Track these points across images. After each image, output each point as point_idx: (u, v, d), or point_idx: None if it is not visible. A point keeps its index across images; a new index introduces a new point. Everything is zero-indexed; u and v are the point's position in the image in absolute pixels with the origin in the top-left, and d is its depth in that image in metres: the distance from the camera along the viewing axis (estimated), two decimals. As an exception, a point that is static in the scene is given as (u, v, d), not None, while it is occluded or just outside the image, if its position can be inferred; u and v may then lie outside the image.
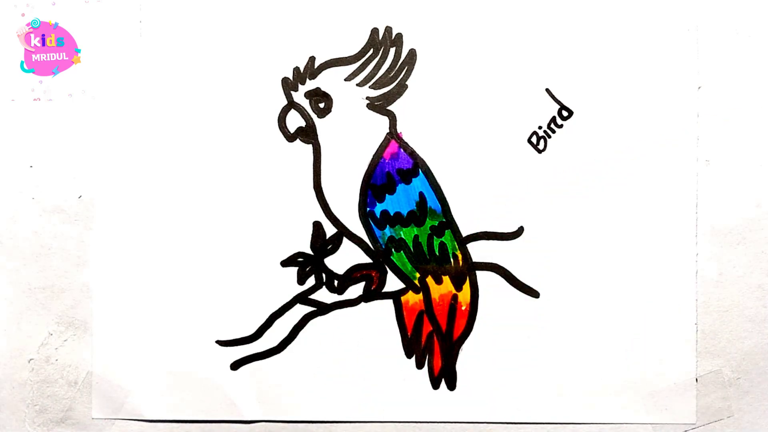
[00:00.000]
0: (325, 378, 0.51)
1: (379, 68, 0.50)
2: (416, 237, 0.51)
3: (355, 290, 0.51)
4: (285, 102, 0.50)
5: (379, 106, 0.50)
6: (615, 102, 0.50)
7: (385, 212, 0.51)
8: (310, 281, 0.51)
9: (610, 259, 0.50)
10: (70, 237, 0.51)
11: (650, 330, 0.50)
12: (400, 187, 0.50)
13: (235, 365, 0.51)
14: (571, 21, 0.50)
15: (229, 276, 0.51)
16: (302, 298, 0.51)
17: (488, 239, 0.51)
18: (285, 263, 0.51)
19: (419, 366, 0.51)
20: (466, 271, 0.51)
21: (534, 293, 0.51)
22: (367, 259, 0.51)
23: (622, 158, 0.50)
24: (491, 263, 0.51)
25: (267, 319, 0.51)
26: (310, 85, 0.50)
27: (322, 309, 0.51)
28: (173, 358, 0.51)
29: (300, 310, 0.51)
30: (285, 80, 0.50)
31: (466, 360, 0.51)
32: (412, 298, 0.51)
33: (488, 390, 0.51)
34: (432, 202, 0.51)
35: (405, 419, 0.51)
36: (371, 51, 0.50)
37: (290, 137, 0.51)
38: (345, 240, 0.51)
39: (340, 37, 0.50)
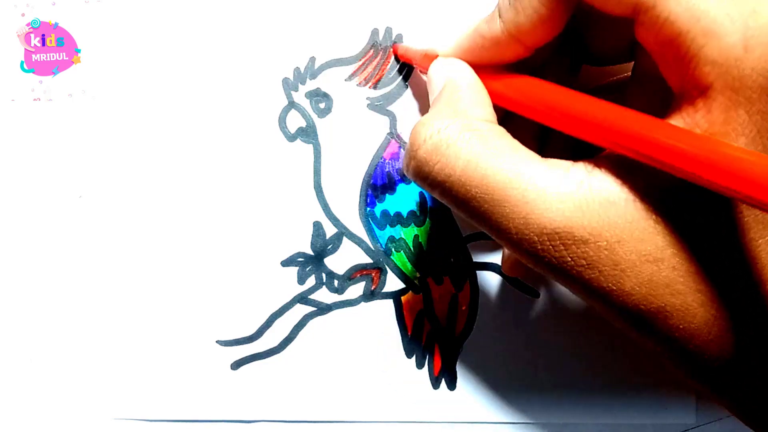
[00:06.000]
0: (326, 378, 0.51)
1: (380, 69, 0.50)
2: (416, 237, 0.51)
3: (355, 290, 0.51)
4: (285, 102, 0.51)
5: (379, 106, 0.50)
6: (615, 102, 0.50)
7: (385, 212, 0.51)
8: (310, 281, 0.51)
9: (610, 259, 0.50)
10: (71, 236, 0.51)
11: (650, 330, 0.50)
12: (401, 187, 0.51)
13: (235, 365, 0.51)
14: (570, 21, 0.50)
15: (229, 276, 0.51)
16: (302, 298, 0.51)
17: (488, 239, 0.51)
18: (285, 263, 0.51)
19: (419, 366, 0.51)
20: (466, 271, 0.51)
21: (534, 293, 0.51)
22: (367, 259, 0.51)
23: (622, 158, 0.50)
24: (491, 263, 0.51)
25: (267, 319, 0.51)
26: (310, 85, 0.50)
27: (322, 309, 0.51)
28: (173, 358, 0.51)
29: (300, 310, 0.51)
30: (285, 80, 0.50)
31: (466, 360, 0.51)
32: (412, 298, 0.51)
33: (488, 390, 0.51)
34: (432, 201, 0.51)
35: (405, 419, 0.51)
36: (371, 51, 0.50)
37: (290, 137, 0.51)
38: (345, 240, 0.51)
39: (341, 38, 0.50)
